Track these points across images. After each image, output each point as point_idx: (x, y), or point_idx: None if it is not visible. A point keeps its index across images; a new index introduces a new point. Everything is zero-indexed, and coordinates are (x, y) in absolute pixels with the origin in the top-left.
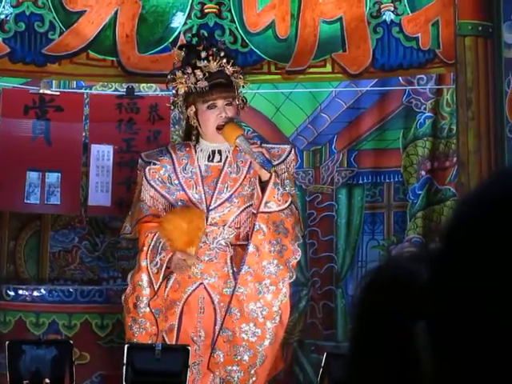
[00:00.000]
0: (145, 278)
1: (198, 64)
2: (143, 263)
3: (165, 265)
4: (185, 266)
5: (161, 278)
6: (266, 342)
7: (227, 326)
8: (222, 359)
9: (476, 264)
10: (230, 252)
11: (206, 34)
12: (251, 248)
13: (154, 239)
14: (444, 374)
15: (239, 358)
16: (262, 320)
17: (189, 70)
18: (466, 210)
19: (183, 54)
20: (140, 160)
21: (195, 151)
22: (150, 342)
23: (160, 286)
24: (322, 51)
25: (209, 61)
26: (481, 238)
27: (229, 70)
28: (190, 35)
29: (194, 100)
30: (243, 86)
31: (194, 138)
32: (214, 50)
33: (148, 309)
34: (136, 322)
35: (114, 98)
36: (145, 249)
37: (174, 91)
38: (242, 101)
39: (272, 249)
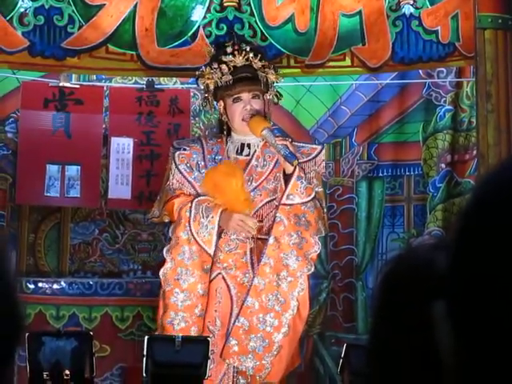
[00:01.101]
0: (186, 249)
1: (224, 59)
2: (183, 236)
3: (216, 225)
4: (246, 228)
5: (214, 240)
6: (282, 333)
7: (244, 316)
8: (236, 348)
9: (488, 250)
10: (251, 244)
11: (234, 31)
12: (271, 239)
13: (193, 207)
14: (463, 360)
15: (254, 347)
16: (278, 310)
17: (215, 66)
18: (476, 196)
19: (213, 50)
20: (171, 147)
21: (226, 143)
22: (196, 311)
23: (216, 247)
24: (341, 45)
25: (234, 55)
26: (490, 225)
27: (256, 64)
28: (221, 32)
29: (222, 95)
30: (276, 82)
31: (225, 132)
32: (242, 45)
33: (192, 279)
34: (180, 294)
35: (134, 91)
36: (182, 221)
37: (204, 87)
38: (276, 96)
39: (291, 241)
